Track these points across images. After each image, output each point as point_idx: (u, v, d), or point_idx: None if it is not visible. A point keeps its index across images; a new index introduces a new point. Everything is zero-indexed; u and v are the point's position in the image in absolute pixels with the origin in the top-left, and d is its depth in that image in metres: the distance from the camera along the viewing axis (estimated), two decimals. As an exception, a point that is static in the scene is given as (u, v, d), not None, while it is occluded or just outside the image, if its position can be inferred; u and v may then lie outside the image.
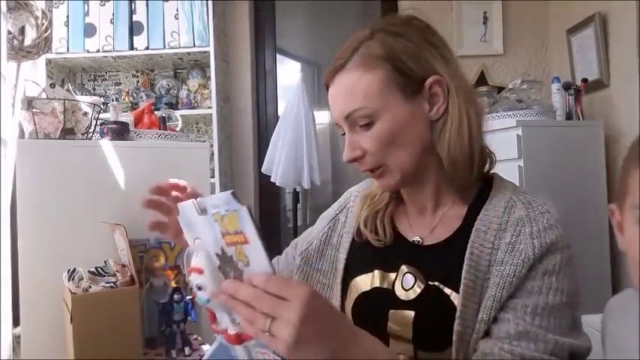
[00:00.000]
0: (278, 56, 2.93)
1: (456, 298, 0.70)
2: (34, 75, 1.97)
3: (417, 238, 0.79)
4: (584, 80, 2.19)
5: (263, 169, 2.43)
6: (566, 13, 2.51)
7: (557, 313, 0.67)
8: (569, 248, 0.71)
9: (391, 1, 2.85)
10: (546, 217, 0.71)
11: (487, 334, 0.69)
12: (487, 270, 0.70)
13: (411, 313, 0.73)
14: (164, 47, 2.40)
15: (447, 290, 0.71)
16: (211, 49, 2.36)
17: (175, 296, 1.13)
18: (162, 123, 1.60)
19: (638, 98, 1.89)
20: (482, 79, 2.73)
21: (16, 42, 1.36)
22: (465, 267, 0.70)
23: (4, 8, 1.31)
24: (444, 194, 0.79)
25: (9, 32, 1.34)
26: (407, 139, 0.74)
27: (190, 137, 2.62)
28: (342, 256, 0.84)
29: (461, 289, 0.69)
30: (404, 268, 0.76)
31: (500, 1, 2.71)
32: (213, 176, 2.27)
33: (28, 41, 1.40)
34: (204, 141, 2.61)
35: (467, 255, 0.71)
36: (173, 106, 2.50)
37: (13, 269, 1.22)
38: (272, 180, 2.37)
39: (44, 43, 1.40)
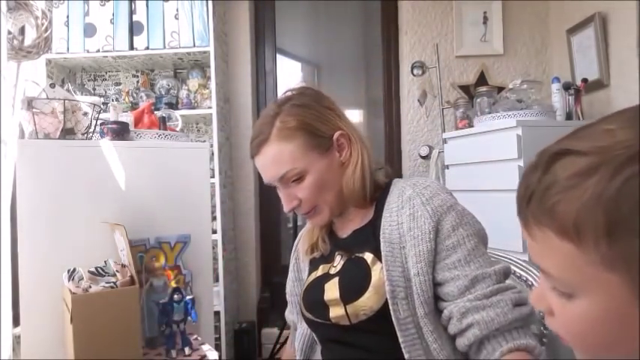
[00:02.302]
0: (278, 56, 2.93)
1: (368, 256, 0.91)
2: (34, 75, 1.97)
3: (344, 235, 1.02)
4: (584, 80, 2.19)
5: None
6: (566, 13, 2.51)
7: (478, 252, 0.87)
8: (456, 204, 0.91)
9: (391, 1, 2.86)
10: (429, 190, 0.92)
11: (439, 298, 0.87)
12: (400, 240, 0.89)
13: (337, 278, 0.94)
14: (164, 47, 2.40)
15: (360, 254, 0.93)
16: (211, 49, 2.36)
17: (175, 296, 1.13)
18: (162, 123, 1.60)
19: (639, 98, 1.89)
20: (482, 79, 2.73)
21: (16, 42, 1.36)
22: (381, 244, 0.90)
23: (4, 8, 1.31)
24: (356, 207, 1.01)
25: (9, 32, 1.34)
26: (329, 183, 0.95)
27: (190, 137, 2.62)
28: (305, 275, 1.07)
29: (383, 260, 0.88)
30: (337, 253, 0.99)
31: (501, 1, 2.71)
32: (213, 176, 2.27)
33: (28, 41, 1.40)
34: (204, 141, 2.61)
35: (380, 235, 0.91)
36: (173, 106, 2.49)
37: (13, 269, 1.22)
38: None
39: (44, 43, 1.40)
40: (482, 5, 2.72)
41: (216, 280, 2.27)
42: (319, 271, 1.00)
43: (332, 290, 0.93)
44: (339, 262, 0.97)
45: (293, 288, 1.11)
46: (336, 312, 0.92)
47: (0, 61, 1.26)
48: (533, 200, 0.44)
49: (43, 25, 1.38)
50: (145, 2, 2.41)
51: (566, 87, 2.15)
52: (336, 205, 0.97)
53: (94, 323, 0.99)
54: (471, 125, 2.36)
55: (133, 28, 2.41)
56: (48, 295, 1.16)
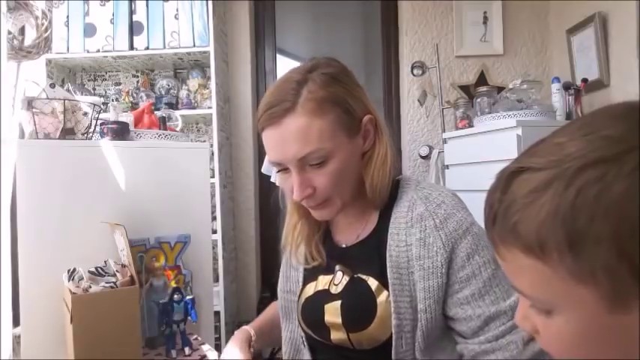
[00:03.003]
0: (278, 56, 2.93)
1: (373, 283, 0.82)
2: (34, 75, 1.97)
3: (344, 244, 0.91)
4: (584, 80, 2.19)
5: (263, 170, 2.43)
6: (566, 13, 2.51)
7: (494, 281, 0.78)
8: (473, 225, 0.81)
9: (391, 1, 2.85)
10: (443, 208, 0.81)
11: (450, 328, 0.82)
12: (407, 265, 0.80)
13: (339, 302, 0.85)
14: (164, 47, 2.40)
15: (364, 276, 0.84)
16: (211, 49, 2.36)
17: (175, 296, 1.13)
18: (162, 123, 1.60)
19: (639, 98, 1.89)
20: (482, 79, 2.73)
21: (16, 42, 1.35)
22: (388, 269, 0.81)
23: (4, 8, 1.31)
24: (361, 207, 0.89)
25: (9, 32, 1.34)
26: (350, 172, 0.82)
27: (190, 137, 2.62)
28: (300, 277, 0.95)
29: (390, 288, 0.80)
30: (337, 267, 0.88)
31: (501, 1, 2.71)
32: (213, 176, 2.27)
33: (28, 41, 1.40)
34: (204, 141, 2.61)
35: (387, 258, 0.82)
36: (173, 106, 2.49)
37: (13, 269, 1.22)
38: (272, 180, 2.37)
39: (44, 43, 1.40)
40: (482, 5, 2.72)
41: (216, 280, 2.27)
42: (319, 284, 0.90)
43: (333, 314, 0.85)
44: (340, 280, 0.87)
45: (285, 285, 0.99)
46: (338, 335, 0.86)
47: (0, 61, 1.26)
48: (497, 221, 0.44)
49: (43, 25, 1.38)
50: (145, 2, 2.41)
51: (566, 87, 2.16)
52: (349, 200, 0.85)
53: (94, 323, 0.99)
54: (471, 125, 2.36)
55: (133, 28, 2.41)
56: (48, 295, 1.16)
